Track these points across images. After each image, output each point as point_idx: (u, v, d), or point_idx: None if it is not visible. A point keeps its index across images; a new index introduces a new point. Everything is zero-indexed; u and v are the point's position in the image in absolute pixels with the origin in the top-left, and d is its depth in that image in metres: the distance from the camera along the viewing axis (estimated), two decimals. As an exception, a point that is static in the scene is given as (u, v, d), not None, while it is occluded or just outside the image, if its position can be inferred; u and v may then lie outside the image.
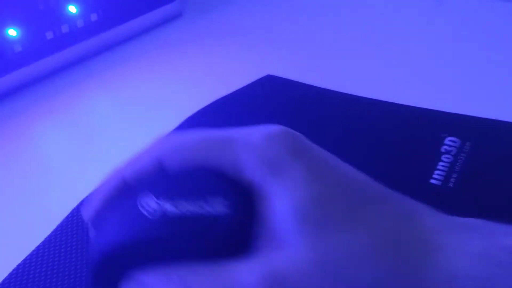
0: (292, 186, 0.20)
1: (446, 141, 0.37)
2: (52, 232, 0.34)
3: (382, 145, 0.38)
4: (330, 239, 0.19)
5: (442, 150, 0.37)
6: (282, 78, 0.49)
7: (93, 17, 0.55)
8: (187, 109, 0.45)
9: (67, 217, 0.35)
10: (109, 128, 0.46)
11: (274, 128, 0.22)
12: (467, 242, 0.20)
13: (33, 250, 0.32)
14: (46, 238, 0.33)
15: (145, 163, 0.23)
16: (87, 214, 0.24)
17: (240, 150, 0.21)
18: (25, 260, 0.32)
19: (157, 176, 0.22)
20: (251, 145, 0.21)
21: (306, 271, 0.19)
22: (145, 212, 0.20)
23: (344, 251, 0.19)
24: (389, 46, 0.54)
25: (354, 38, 0.57)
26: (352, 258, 0.19)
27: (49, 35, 0.52)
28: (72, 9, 0.53)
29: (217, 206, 0.20)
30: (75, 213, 0.35)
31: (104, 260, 0.21)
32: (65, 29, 0.53)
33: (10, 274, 0.31)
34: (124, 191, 0.23)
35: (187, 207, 0.20)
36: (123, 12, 0.59)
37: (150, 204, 0.21)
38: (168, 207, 0.20)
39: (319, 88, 0.47)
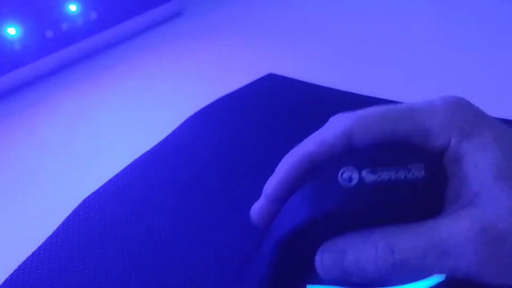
0: (484, 146, 0.21)
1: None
2: (54, 232, 0.33)
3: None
4: None
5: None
6: (283, 76, 0.49)
7: (93, 15, 0.55)
8: (188, 108, 0.45)
9: (68, 217, 0.34)
10: (110, 127, 0.46)
11: (454, 97, 0.23)
12: None
13: (35, 251, 0.32)
14: (47, 239, 0.33)
15: (331, 138, 0.23)
16: (269, 189, 0.24)
17: (426, 120, 0.23)
18: (26, 261, 0.32)
19: (348, 150, 0.23)
20: (436, 114, 0.23)
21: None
22: (343, 183, 0.21)
23: None
24: (392, 44, 0.54)
25: (357, 37, 0.57)
26: None
27: (49, 33, 0.52)
28: (72, 7, 0.53)
29: (414, 171, 0.21)
30: (77, 213, 0.35)
31: (297, 233, 0.22)
32: (64, 27, 0.53)
33: (12, 275, 0.31)
34: (312, 167, 0.23)
35: (386, 174, 0.21)
36: (122, 10, 0.58)
37: (346, 175, 0.21)
38: (368, 176, 0.21)
39: (321, 86, 0.46)
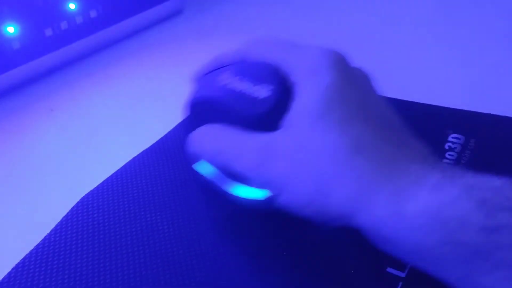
0: (315, 89, 0.26)
1: (450, 138, 0.37)
2: (52, 231, 0.33)
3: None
4: (324, 129, 0.24)
5: (446, 147, 0.36)
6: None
7: (93, 13, 0.55)
8: (187, 106, 0.45)
9: (66, 216, 0.34)
10: (109, 126, 0.46)
11: (330, 49, 0.28)
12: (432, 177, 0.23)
13: (32, 249, 0.32)
14: (45, 237, 0.33)
15: (232, 56, 0.32)
16: (195, 73, 0.34)
17: (298, 59, 0.28)
18: (24, 259, 0.32)
19: (237, 63, 0.31)
20: (304, 58, 0.28)
21: (288, 144, 0.25)
22: (217, 81, 0.30)
23: (326, 138, 0.24)
24: (392, 42, 0.54)
25: (357, 35, 0.56)
26: (328, 147, 0.24)
27: (48, 32, 0.52)
28: (72, 5, 0.53)
29: (263, 91, 0.27)
30: (75, 212, 0.35)
31: (192, 106, 0.31)
32: (64, 26, 0.53)
33: (9, 274, 0.31)
34: (215, 69, 0.32)
35: (244, 85, 0.28)
36: (122, 9, 0.58)
37: (222, 77, 0.30)
38: (233, 82, 0.29)
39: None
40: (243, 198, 0.29)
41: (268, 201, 0.27)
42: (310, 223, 0.26)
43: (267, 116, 0.27)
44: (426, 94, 0.43)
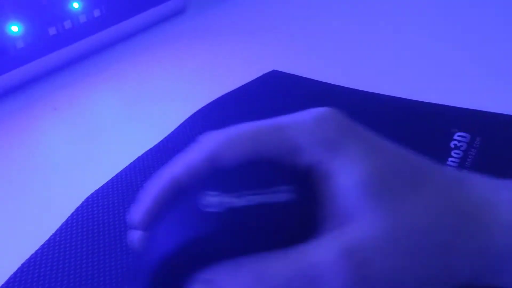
0: (352, 161, 0.21)
1: (456, 137, 0.37)
2: (57, 231, 0.33)
3: (390, 140, 0.38)
4: (399, 209, 0.20)
5: (452, 145, 0.36)
6: (287, 73, 0.49)
7: (96, 13, 0.55)
8: (191, 105, 0.45)
9: (71, 215, 0.34)
10: (113, 125, 0.46)
11: (322, 110, 0.23)
12: None
13: (38, 249, 0.32)
14: (50, 237, 0.33)
15: (197, 160, 0.22)
16: (137, 218, 0.23)
17: (293, 136, 0.22)
18: (29, 259, 0.32)
19: (213, 172, 0.22)
20: (304, 129, 0.22)
21: (382, 240, 0.19)
22: (207, 209, 0.20)
23: (413, 218, 0.20)
24: (397, 40, 0.54)
25: (361, 33, 0.56)
26: (420, 224, 0.20)
27: (52, 31, 0.52)
28: (75, 5, 0.53)
29: (280, 194, 0.20)
30: (80, 212, 0.35)
31: (165, 264, 0.20)
32: (67, 25, 0.53)
33: (15, 273, 0.31)
34: (179, 191, 0.22)
35: (251, 198, 0.20)
36: (125, 8, 0.58)
37: (211, 200, 0.20)
38: (231, 200, 0.20)
39: (325, 83, 0.46)
40: None
41: None
42: None
43: (302, 220, 0.20)
44: (432, 93, 0.43)
